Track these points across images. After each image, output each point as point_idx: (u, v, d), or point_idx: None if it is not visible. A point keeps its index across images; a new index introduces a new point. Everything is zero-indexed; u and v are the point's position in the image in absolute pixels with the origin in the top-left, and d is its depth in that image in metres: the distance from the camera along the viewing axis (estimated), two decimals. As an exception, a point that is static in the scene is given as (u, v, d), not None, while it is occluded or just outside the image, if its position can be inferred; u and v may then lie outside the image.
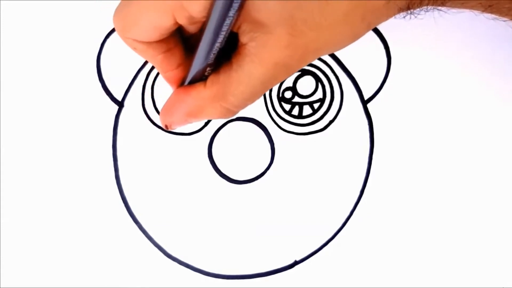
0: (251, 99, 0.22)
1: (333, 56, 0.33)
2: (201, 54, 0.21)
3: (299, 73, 0.33)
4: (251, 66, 0.21)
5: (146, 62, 0.33)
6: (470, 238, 0.33)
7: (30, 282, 0.32)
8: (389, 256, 0.33)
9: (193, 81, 0.23)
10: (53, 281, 0.32)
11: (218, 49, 0.21)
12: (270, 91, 0.33)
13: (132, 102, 0.33)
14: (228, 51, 0.22)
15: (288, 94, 0.33)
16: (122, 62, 0.33)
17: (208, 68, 0.22)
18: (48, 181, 0.33)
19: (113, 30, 0.33)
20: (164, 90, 0.33)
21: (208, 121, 0.33)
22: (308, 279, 0.32)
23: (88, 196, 0.33)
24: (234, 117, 0.32)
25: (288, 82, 0.33)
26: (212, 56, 0.21)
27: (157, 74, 0.33)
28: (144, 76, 0.33)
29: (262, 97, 0.33)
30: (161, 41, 0.22)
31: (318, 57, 0.22)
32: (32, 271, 0.32)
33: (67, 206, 0.32)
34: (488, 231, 0.33)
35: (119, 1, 0.32)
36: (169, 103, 0.25)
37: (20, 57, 0.33)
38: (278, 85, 0.33)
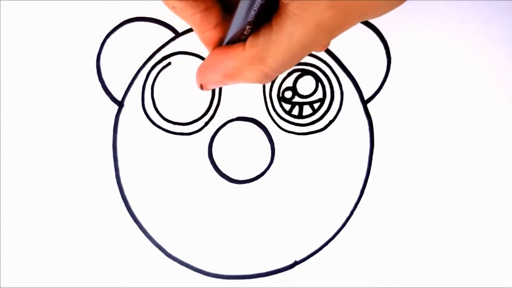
0: (290, 63, 0.22)
1: (333, 56, 0.33)
2: (242, 11, 0.21)
3: (299, 73, 0.33)
4: (292, 28, 0.20)
5: (146, 62, 0.33)
6: (470, 238, 0.33)
7: (30, 282, 0.32)
8: (389, 256, 0.33)
9: (232, 42, 0.23)
10: (53, 281, 0.32)
11: (259, 5, 0.20)
12: (270, 91, 0.33)
13: (132, 102, 0.33)
14: (269, 13, 0.21)
15: (288, 94, 0.33)
16: (122, 62, 0.33)
17: (247, 27, 0.22)
18: (49, 181, 0.33)
19: (113, 30, 0.33)
20: (164, 90, 0.33)
21: (208, 121, 0.33)
22: (308, 279, 0.32)
23: (89, 196, 0.33)
24: (234, 117, 0.33)
25: (288, 82, 0.33)
26: (252, 13, 0.21)
27: (157, 74, 0.33)
28: (144, 76, 0.33)
29: (262, 97, 0.33)
30: None
31: (361, 21, 0.21)
32: (32, 271, 0.32)
33: (67, 206, 0.32)
34: (488, 231, 0.33)
35: (119, 1, 0.32)
36: (207, 63, 0.24)
37: (20, 57, 0.33)
38: (278, 85, 0.33)
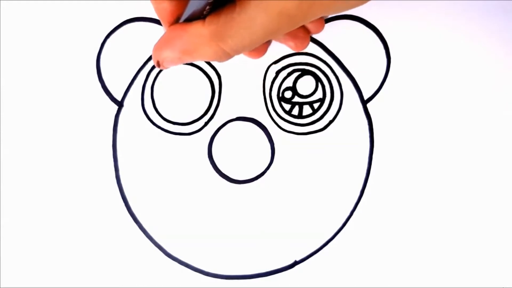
0: (249, 46, 0.22)
1: (333, 56, 0.33)
2: None
3: (299, 73, 0.33)
4: (255, 11, 0.20)
5: (146, 62, 0.33)
6: (470, 238, 0.33)
7: (30, 282, 0.32)
8: (389, 256, 0.33)
9: (190, 20, 0.22)
10: (53, 281, 0.32)
11: None
12: (270, 91, 0.33)
13: (132, 102, 0.33)
14: None
15: (288, 94, 0.33)
16: (122, 62, 0.33)
17: (207, 7, 0.21)
18: (48, 181, 0.33)
19: (113, 30, 0.33)
20: (164, 90, 0.33)
21: (208, 121, 0.33)
22: (308, 279, 0.32)
23: (88, 196, 0.33)
24: (234, 117, 0.33)
25: (288, 82, 0.33)
26: None
27: (157, 74, 0.33)
28: (144, 76, 0.33)
29: (262, 97, 0.33)
30: None
31: (325, 14, 0.21)
32: (32, 271, 0.32)
33: (67, 206, 0.32)
34: (488, 231, 0.33)
35: (119, 1, 0.32)
36: (164, 38, 0.24)
37: (20, 57, 0.33)
38: (278, 84, 0.33)
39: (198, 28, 0.22)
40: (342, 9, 0.21)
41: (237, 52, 0.22)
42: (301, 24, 0.21)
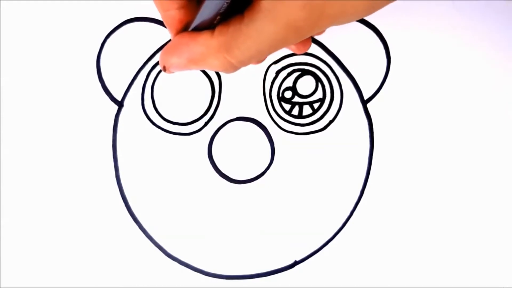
0: (256, 57, 0.22)
1: (333, 56, 0.33)
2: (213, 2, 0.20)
3: (299, 73, 0.33)
4: (263, 22, 0.20)
5: (146, 62, 0.33)
6: (470, 238, 0.33)
7: (30, 282, 0.32)
8: (389, 256, 0.33)
9: (199, 29, 0.23)
10: (53, 281, 0.32)
11: None
12: (270, 91, 0.33)
13: (132, 102, 0.33)
14: (242, 5, 0.21)
15: (288, 94, 0.33)
16: (122, 62, 0.33)
17: (218, 17, 0.21)
18: (48, 181, 0.33)
19: (113, 30, 0.33)
20: (164, 90, 0.33)
21: (208, 121, 0.33)
22: (308, 279, 0.32)
23: (89, 196, 0.33)
24: (234, 117, 0.33)
25: (288, 82, 0.33)
26: (225, 5, 0.21)
27: (157, 74, 0.33)
28: (144, 76, 0.33)
29: (262, 97, 0.33)
30: None
31: (332, 25, 0.21)
32: (32, 271, 0.32)
33: (67, 206, 0.32)
34: (488, 231, 0.33)
35: (119, 2, 0.32)
36: (173, 45, 0.24)
37: (20, 57, 0.33)
38: (278, 84, 0.33)
39: (206, 39, 0.22)
40: (349, 21, 0.21)
41: (243, 63, 0.22)
42: (308, 36, 0.21)
